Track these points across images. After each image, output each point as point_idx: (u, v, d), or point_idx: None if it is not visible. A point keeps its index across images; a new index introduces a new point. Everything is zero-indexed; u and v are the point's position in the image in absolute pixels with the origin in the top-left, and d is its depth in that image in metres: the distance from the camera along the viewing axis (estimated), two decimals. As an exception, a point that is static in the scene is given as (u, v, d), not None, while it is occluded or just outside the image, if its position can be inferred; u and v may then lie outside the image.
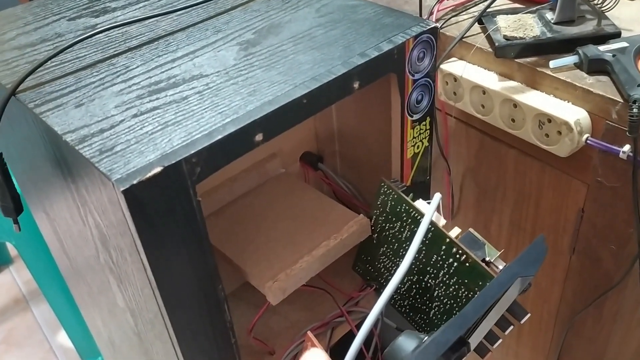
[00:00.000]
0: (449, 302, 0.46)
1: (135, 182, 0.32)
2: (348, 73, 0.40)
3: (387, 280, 0.51)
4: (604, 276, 0.64)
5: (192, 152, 0.34)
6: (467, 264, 0.43)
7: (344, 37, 0.44)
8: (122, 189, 0.31)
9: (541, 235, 0.40)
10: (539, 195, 0.68)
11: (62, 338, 1.27)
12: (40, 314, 1.36)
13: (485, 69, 0.65)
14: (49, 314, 1.28)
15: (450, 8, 0.70)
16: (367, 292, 0.53)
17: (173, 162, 0.33)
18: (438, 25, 0.66)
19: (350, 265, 0.54)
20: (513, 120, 0.63)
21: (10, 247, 1.49)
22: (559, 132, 0.58)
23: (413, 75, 0.45)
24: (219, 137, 0.35)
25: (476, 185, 0.76)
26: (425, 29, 0.44)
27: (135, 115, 0.37)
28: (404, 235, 0.47)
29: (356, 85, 0.41)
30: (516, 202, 0.71)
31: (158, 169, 0.33)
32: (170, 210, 0.34)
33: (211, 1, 0.50)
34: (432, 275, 0.46)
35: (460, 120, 0.72)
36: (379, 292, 0.52)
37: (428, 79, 0.46)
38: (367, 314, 0.41)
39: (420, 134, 0.49)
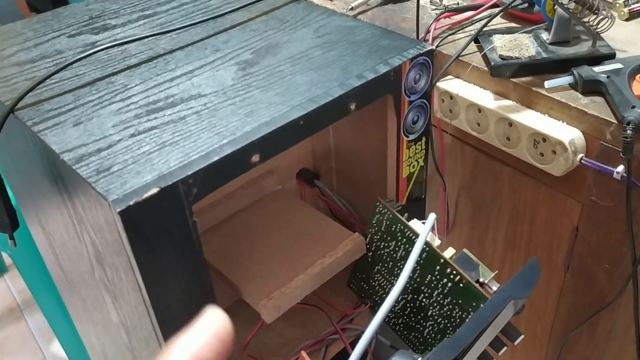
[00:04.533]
0: (443, 321, 0.46)
1: (131, 203, 0.32)
2: (345, 95, 0.40)
3: (382, 298, 0.51)
4: (598, 295, 0.64)
5: (189, 173, 0.34)
6: (461, 285, 0.43)
7: (342, 58, 0.44)
8: (118, 210, 0.32)
9: (535, 257, 0.40)
10: (534, 213, 0.68)
11: (56, 348, 1.27)
12: (34, 323, 1.35)
13: (481, 87, 0.66)
14: (42, 323, 1.27)
15: (447, 26, 0.71)
16: (361, 310, 0.53)
17: (170, 183, 0.33)
18: (434, 47, 0.67)
19: (345, 282, 0.55)
20: (508, 139, 0.64)
21: (5, 255, 1.48)
22: (554, 152, 0.59)
23: (409, 97, 0.45)
24: (216, 158, 0.35)
25: (471, 201, 0.76)
26: (421, 51, 0.44)
27: (132, 135, 0.37)
28: (399, 254, 0.48)
29: (353, 106, 0.41)
30: (511, 219, 0.72)
31: (155, 190, 0.33)
32: (166, 230, 0.34)
33: (210, 20, 0.50)
34: (427, 294, 0.46)
35: (456, 138, 0.72)
36: (373, 309, 0.53)
37: (424, 100, 0.47)
38: (362, 332, 0.41)
39: (415, 153, 0.49)
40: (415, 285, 0.47)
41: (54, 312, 1.10)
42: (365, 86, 0.41)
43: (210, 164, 0.35)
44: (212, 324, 0.21)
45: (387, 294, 0.42)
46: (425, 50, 0.44)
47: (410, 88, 0.45)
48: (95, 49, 0.45)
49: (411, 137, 0.48)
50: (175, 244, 0.35)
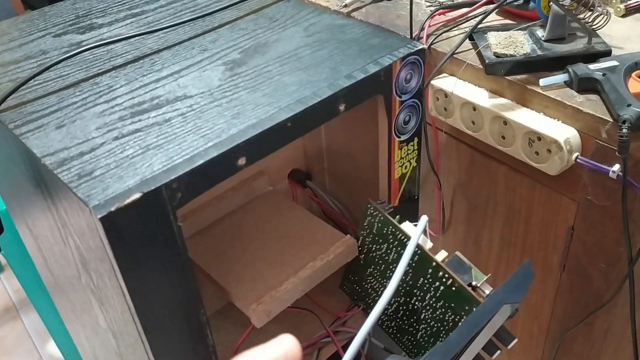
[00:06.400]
0: (435, 324, 0.45)
1: (113, 208, 0.31)
2: (334, 95, 0.39)
3: (374, 301, 0.50)
4: (594, 294, 0.64)
5: (173, 177, 0.33)
6: (453, 288, 0.43)
7: (331, 58, 0.43)
8: (99, 215, 0.31)
9: (527, 260, 0.40)
10: (529, 212, 0.67)
11: (52, 347, 1.26)
12: (30, 322, 1.35)
13: (475, 85, 0.65)
14: (38, 323, 1.27)
15: (442, 24, 0.70)
16: (354, 312, 0.53)
17: (153, 187, 0.33)
18: (427, 46, 0.66)
19: (337, 284, 0.54)
20: (503, 137, 0.63)
21: (0, 255, 1.48)
22: (549, 151, 0.58)
23: (400, 97, 0.44)
24: (201, 161, 0.34)
25: (467, 200, 0.75)
26: (412, 51, 0.43)
27: (116, 138, 0.37)
28: (391, 257, 0.47)
29: (342, 107, 0.40)
30: (507, 218, 0.71)
31: (137, 195, 0.32)
32: (149, 236, 0.34)
33: (198, 19, 0.50)
34: (419, 297, 0.45)
35: (451, 136, 0.72)
36: (366, 312, 0.52)
37: (416, 100, 0.46)
38: (354, 334, 0.40)
39: (408, 154, 0.48)
40: (408, 288, 0.46)
41: (49, 312, 1.09)
42: (354, 87, 0.40)
43: (194, 168, 0.34)
44: (282, 346, 0.22)
45: (379, 296, 0.42)
46: (416, 49, 0.43)
47: (401, 88, 0.44)
48: (80, 49, 0.45)
49: (403, 137, 0.47)
50: (160, 250, 0.34)
